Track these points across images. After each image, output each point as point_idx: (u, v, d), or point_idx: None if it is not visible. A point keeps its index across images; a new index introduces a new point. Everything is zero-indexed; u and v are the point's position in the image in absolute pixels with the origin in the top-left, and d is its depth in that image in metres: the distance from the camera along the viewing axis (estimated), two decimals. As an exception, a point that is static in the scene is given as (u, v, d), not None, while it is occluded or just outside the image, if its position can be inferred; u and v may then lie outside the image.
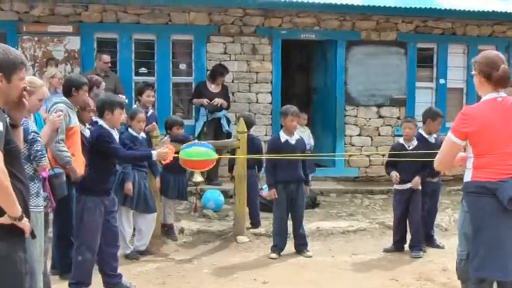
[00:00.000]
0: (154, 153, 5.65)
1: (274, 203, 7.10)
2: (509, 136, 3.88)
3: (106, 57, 9.16)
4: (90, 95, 6.36)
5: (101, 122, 5.54)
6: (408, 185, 7.07)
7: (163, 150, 5.65)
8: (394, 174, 7.11)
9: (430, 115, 7.33)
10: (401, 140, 7.30)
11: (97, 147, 5.45)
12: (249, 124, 7.83)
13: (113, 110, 5.46)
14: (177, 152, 5.95)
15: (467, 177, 4.01)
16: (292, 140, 7.03)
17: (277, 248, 7.02)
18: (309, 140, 9.25)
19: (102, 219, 5.39)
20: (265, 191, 8.22)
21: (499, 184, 3.79)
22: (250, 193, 7.71)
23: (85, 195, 5.39)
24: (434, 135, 7.32)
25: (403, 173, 7.07)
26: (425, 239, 7.30)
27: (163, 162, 5.87)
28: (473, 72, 4.01)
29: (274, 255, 6.95)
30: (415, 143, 7.11)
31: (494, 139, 3.86)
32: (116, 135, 5.56)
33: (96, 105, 5.73)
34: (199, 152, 6.14)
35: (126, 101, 6.63)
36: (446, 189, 8.06)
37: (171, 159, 5.69)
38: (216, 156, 6.30)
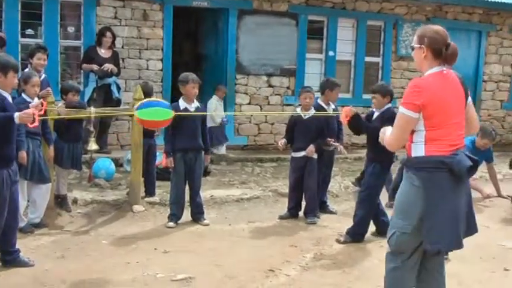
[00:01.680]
0: (16, 115, 4.91)
1: (172, 171, 7.01)
2: (458, 107, 3.90)
3: None
4: None
5: None
6: (302, 153, 7.23)
7: (23, 114, 4.89)
8: (279, 142, 7.29)
9: (328, 85, 7.50)
10: (298, 109, 7.44)
11: None
12: (147, 93, 7.61)
13: (7, 72, 5.03)
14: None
15: (420, 152, 3.87)
16: (192, 108, 6.92)
17: (175, 217, 6.96)
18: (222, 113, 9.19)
19: (8, 192, 5.04)
20: (158, 159, 8.13)
21: (453, 157, 3.76)
22: (146, 161, 7.58)
23: None
24: (333, 106, 7.54)
25: (299, 141, 7.23)
26: (319, 205, 7.50)
27: (30, 126, 5.11)
28: (416, 45, 3.89)
29: (171, 224, 6.89)
30: (311, 112, 7.22)
31: (447, 110, 3.82)
32: (9, 99, 5.16)
33: None
34: (158, 111, 6.07)
35: None
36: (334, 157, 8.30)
37: (36, 124, 5.06)
38: (172, 114, 6.21)
